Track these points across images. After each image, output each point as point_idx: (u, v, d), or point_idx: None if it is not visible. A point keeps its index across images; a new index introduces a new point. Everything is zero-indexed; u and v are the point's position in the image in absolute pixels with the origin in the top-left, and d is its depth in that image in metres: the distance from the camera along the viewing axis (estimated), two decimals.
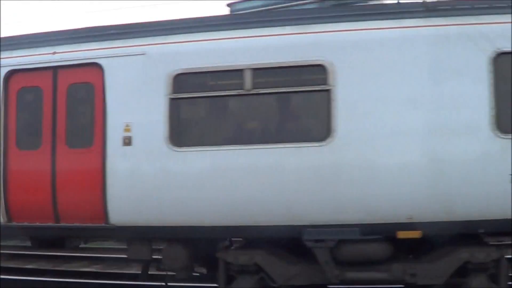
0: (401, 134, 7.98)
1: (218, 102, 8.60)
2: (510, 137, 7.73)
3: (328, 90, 8.10)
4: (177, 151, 8.42)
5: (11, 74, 9.07)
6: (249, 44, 8.41)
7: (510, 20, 7.90)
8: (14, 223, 9.06)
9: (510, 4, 8.02)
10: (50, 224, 8.88)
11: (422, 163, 7.93)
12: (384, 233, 8.08)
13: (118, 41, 8.77)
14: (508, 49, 7.81)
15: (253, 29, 8.44)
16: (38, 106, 9.02)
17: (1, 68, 9.05)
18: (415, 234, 8.03)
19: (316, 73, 8.22)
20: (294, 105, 8.59)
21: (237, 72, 8.35)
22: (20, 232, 9.99)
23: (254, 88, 8.31)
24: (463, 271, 8.16)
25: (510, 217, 7.71)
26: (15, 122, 9.06)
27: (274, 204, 8.20)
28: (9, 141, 9.01)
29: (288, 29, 8.36)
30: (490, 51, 7.83)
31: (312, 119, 8.51)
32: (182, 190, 8.39)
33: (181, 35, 8.62)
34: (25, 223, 9.01)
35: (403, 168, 7.96)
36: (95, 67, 8.74)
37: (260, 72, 8.33)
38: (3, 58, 9.06)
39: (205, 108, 8.83)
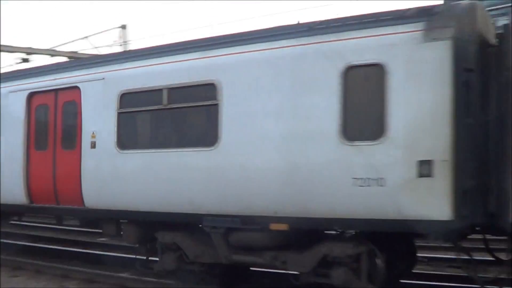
0: (267, 141, 9.51)
1: (146, 115, 10.97)
2: (354, 144, 8.84)
3: (216, 104, 9.96)
4: (122, 153, 10.99)
5: (31, 95, 12.50)
6: (165, 69, 10.62)
7: (363, 35, 8.97)
8: (34, 205, 12.46)
9: (363, 20, 9.04)
10: (53, 205, 12.09)
11: (282, 166, 9.38)
12: (260, 224, 9.69)
13: (88, 69, 11.63)
14: (357, 62, 8.89)
15: (166, 57, 10.64)
16: (46, 119, 12.28)
17: (25, 91, 12.50)
18: (282, 226, 9.52)
19: (209, 90, 10.10)
20: (194, 117, 10.58)
21: (158, 91, 10.62)
22: (39, 211, 13.37)
23: (169, 103, 10.51)
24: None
25: (356, 217, 8.87)
26: (34, 130, 12.44)
27: (183, 196, 10.33)
28: (30, 144, 12.43)
29: (189, 56, 10.38)
30: (340, 65, 8.97)
31: (206, 129, 10.38)
32: (125, 183, 10.95)
33: (124, 63, 11.18)
34: (41, 204, 12.35)
35: (268, 170, 9.51)
36: (77, 89, 11.68)
37: (172, 90, 10.48)
38: (26, 84, 12.52)
39: (138, 120, 11.24)
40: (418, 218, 8.36)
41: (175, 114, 10.58)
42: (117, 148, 11.02)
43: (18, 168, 12.56)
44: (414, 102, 8.40)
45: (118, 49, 31.30)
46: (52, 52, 33.09)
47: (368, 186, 8.62)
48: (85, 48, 46.20)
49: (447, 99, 8.20)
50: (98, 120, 11.32)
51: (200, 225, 10.34)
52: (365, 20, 9.05)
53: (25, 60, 31.65)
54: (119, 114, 11.04)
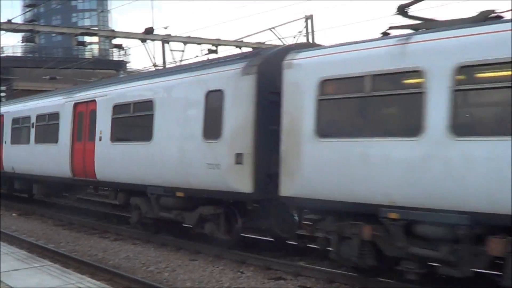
0: (173, 139, 14.75)
1: (124, 119, 16.64)
2: (207, 142, 13.75)
3: (152, 115, 15.39)
4: (113, 144, 16.85)
5: (76, 104, 18.94)
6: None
7: (216, 71, 13.82)
8: (76, 178, 18.84)
9: (218, 60, 13.95)
10: (83, 178, 18.37)
11: (178, 154, 14.57)
12: (171, 192, 14.90)
13: (99, 89, 17.74)
14: (212, 88, 13.79)
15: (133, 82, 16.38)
16: (81, 121, 18.55)
17: (73, 101, 18.98)
18: (181, 194, 14.71)
19: (148, 105, 15.55)
20: (139, 123, 16.03)
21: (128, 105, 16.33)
22: (78, 183, 19.59)
23: (134, 112, 16.17)
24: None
25: (209, 189, 13.74)
26: (76, 128, 18.82)
27: (136, 172, 15.89)
28: (74, 137, 18.87)
29: (139, 83, 16.00)
30: (205, 90, 13.98)
31: (147, 130, 15.72)
32: (114, 163, 16.77)
33: (115, 85, 17.10)
34: (79, 178, 18.69)
35: (172, 156, 14.73)
36: (95, 102, 17.80)
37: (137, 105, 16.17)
38: (73, 96, 19.03)
39: (123, 122, 16.86)
40: (236, 190, 13.11)
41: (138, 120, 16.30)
42: (111, 141, 16.98)
43: (66, 153, 19.20)
44: (235, 115, 13.16)
45: (302, 40, 31.00)
46: (239, 44, 34.97)
47: (213, 169, 13.53)
48: (271, 39, 47.99)
49: (251, 113, 12.85)
50: (104, 122, 17.36)
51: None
52: (218, 61, 14.02)
53: (212, 51, 33.68)
54: (113, 119, 17.01)
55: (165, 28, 44.45)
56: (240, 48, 33.82)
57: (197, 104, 14.14)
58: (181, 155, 14.45)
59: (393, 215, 10.04)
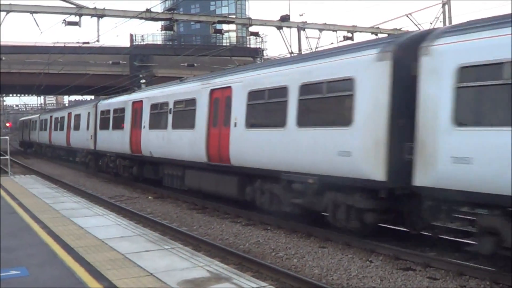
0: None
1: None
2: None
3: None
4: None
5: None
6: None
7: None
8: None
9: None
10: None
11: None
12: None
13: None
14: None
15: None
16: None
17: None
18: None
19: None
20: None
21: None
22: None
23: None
24: None
25: None
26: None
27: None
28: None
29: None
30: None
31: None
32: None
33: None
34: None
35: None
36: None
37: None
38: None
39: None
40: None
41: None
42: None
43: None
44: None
45: (439, 25, 30.73)
46: (375, 30, 35.17)
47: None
48: (406, 25, 48.17)
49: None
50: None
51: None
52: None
53: (348, 38, 33.90)
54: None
55: (301, 15, 45.31)
56: (376, 35, 33.78)
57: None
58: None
59: None
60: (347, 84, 13.68)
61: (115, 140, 29.66)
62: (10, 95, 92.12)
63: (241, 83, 17.91)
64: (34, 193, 19.61)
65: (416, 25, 31.17)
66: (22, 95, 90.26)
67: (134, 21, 33.21)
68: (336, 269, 12.20)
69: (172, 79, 28.04)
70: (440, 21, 31.57)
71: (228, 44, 62.79)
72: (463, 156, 10.80)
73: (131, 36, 55.20)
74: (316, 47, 30.69)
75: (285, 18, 31.47)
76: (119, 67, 52.52)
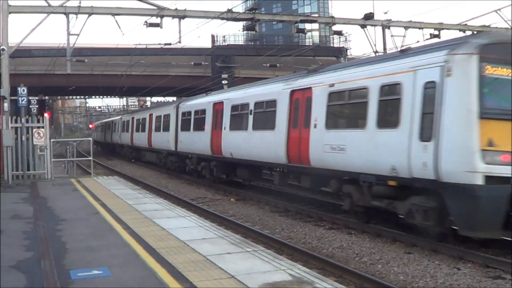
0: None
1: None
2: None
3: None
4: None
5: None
6: None
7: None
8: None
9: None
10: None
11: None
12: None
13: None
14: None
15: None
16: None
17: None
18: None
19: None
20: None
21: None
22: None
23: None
24: None
25: None
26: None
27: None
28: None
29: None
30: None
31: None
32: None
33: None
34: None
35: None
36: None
37: None
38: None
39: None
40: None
41: None
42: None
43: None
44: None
45: None
46: (462, 27, 34.31)
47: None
48: (496, 21, 46.33)
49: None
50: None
51: None
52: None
53: (434, 36, 33.30)
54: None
55: (385, 13, 44.71)
56: (464, 32, 32.94)
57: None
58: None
59: None
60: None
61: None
62: (93, 96, 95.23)
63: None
64: (117, 194, 20.19)
65: (506, 21, 30.49)
66: (105, 96, 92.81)
67: (216, 21, 33.58)
68: (422, 276, 12.04)
69: (254, 80, 28.35)
70: None
71: (311, 44, 62.75)
72: None
73: (213, 36, 55.82)
74: (402, 46, 30.25)
75: (369, 16, 31.23)
76: (201, 68, 53.40)
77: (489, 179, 12.21)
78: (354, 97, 16.49)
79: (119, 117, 67.82)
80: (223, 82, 45.48)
